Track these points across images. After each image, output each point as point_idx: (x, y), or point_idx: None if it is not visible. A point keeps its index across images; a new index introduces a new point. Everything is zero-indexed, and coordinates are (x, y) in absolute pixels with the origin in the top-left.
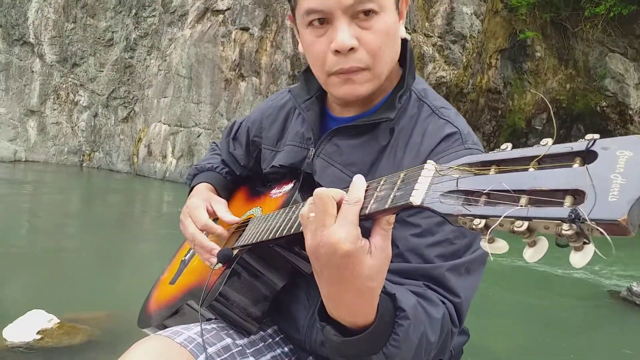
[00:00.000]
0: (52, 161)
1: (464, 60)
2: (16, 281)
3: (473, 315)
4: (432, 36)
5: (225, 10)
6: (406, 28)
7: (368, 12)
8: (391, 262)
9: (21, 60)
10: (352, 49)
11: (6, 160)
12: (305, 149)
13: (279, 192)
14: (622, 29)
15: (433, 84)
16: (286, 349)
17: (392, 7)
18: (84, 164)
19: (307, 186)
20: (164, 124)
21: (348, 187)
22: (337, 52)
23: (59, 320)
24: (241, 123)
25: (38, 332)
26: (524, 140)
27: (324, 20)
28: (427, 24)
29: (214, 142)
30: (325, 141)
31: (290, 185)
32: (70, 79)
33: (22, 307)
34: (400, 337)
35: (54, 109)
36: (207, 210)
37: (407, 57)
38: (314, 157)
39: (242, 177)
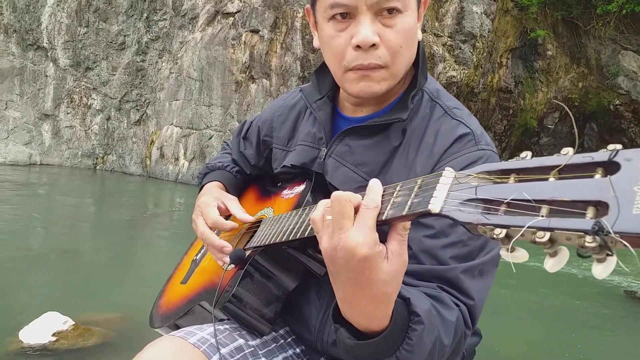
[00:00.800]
0: (67, 164)
1: (475, 59)
2: (31, 283)
3: (486, 316)
4: (442, 36)
5: (235, 13)
6: None
7: (392, 10)
8: None
9: (35, 64)
10: (373, 45)
11: (21, 164)
12: (316, 149)
13: (291, 193)
14: (634, 26)
15: (443, 83)
16: (298, 350)
17: (414, 8)
18: (98, 167)
19: (319, 187)
20: (176, 126)
21: (359, 186)
22: (358, 47)
23: (73, 322)
24: (252, 122)
25: (53, 334)
26: (535, 139)
27: (346, 14)
28: (436, 23)
29: (225, 142)
30: (337, 141)
31: (302, 187)
32: (83, 83)
33: (37, 309)
34: (413, 342)
35: (68, 113)
36: (220, 208)
37: (419, 57)
38: (325, 157)
39: (253, 177)
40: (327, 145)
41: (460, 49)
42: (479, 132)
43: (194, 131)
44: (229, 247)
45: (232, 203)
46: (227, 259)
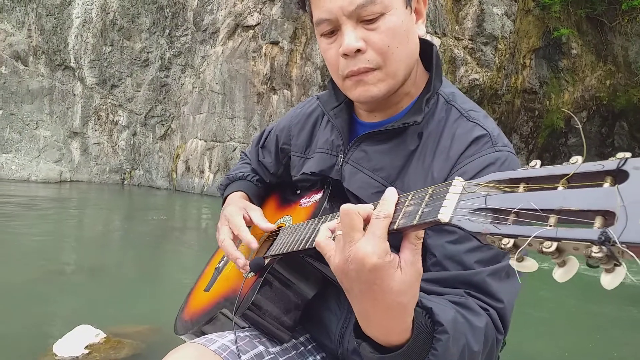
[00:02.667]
0: (95, 180)
1: (497, 61)
2: (64, 297)
3: (518, 322)
4: (462, 39)
5: (255, 25)
6: (436, 32)
7: (372, 15)
8: (429, 271)
9: (63, 84)
10: (359, 50)
11: (52, 181)
12: (334, 155)
13: (309, 202)
14: None
15: (466, 86)
16: (318, 357)
17: (401, 6)
18: (125, 182)
19: (337, 194)
20: (200, 139)
21: (377, 192)
22: (345, 55)
23: (105, 335)
24: (270, 131)
25: (86, 347)
26: (563, 140)
27: (333, 28)
28: (457, 27)
29: (243, 152)
30: (354, 147)
31: (319, 195)
32: (109, 100)
33: (70, 323)
34: (439, 352)
35: (95, 130)
36: (244, 218)
37: (433, 61)
38: (342, 163)
39: (272, 185)
40: (344, 151)
41: (481, 51)
42: (495, 134)
43: (218, 144)
44: (242, 260)
45: (255, 213)
46: (248, 267)
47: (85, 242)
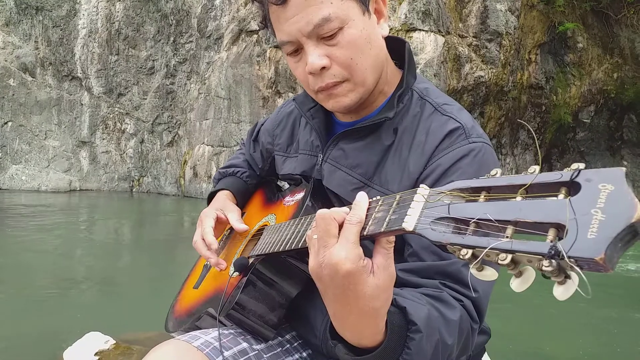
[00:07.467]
0: (104, 188)
1: (502, 58)
2: (74, 305)
3: (534, 322)
4: (466, 36)
5: (259, 30)
6: (439, 30)
7: (330, 32)
8: (406, 261)
9: (71, 94)
10: (323, 67)
11: (62, 191)
12: (314, 156)
13: (292, 200)
14: None
15: (472, 84)
16: (304, 354)
17: (358, 15)
18: (134, 190)
19: (318, 193)
20: (207, 145)
21: (355, 188)
22: (311, 73)
23: (114, 342)
24: (261, 126)
25: (96, 354)
26: (571, 135)
27: (297, 47)
28: (460, 24)
29: (242, 140)
30: (332, 146)
31: (302, 194)
32: (116, 109)
33: (80, 330)
34: (412, 351)
35: (103, 139)
36: (220, 218)
37: (405, 58)
38: (322, 162)
39: (263, 178)
40: (323, 151)
41: (486, 48)
42: (469, 126)
43: (225, 149)
44: (214, 259)
45: (232, 214)
46: (221, 266)
47: (95, 250)
